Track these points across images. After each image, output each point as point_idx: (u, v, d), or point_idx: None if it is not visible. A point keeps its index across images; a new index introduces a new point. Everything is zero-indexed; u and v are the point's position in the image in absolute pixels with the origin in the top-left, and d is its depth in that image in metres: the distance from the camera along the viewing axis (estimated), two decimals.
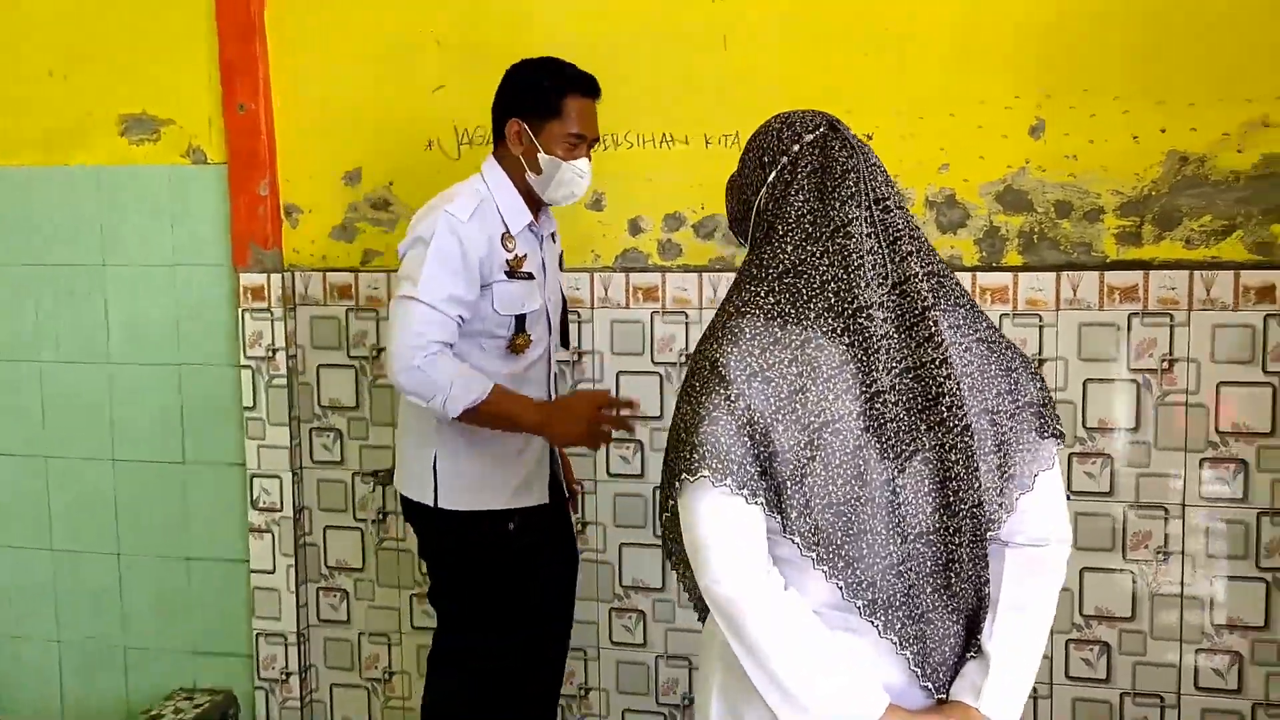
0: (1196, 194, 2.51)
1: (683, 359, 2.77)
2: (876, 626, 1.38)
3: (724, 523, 1.34)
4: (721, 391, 1.35)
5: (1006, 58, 2.55)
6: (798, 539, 1.34)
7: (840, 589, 1.37)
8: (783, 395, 1.35)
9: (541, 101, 2.29)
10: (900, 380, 1.38)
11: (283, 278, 2.95)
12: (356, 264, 2.96)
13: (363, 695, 3.07)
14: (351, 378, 2.97)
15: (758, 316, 1.40)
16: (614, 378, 2.80)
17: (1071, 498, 2.56)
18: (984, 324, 1.47)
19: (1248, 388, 2.49)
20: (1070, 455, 2.60)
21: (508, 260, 2.29)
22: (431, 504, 2.34)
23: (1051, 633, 1.71)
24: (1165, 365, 2.53)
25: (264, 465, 3.00)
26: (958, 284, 1.49)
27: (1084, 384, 2.57)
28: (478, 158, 2.81)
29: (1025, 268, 2.59)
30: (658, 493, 1.56)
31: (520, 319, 2.29)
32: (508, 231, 2.31)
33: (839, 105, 2.59)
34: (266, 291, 2.95)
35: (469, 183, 2.37)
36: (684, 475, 1.34)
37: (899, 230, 1.41)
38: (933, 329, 1.37)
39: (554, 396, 2.47)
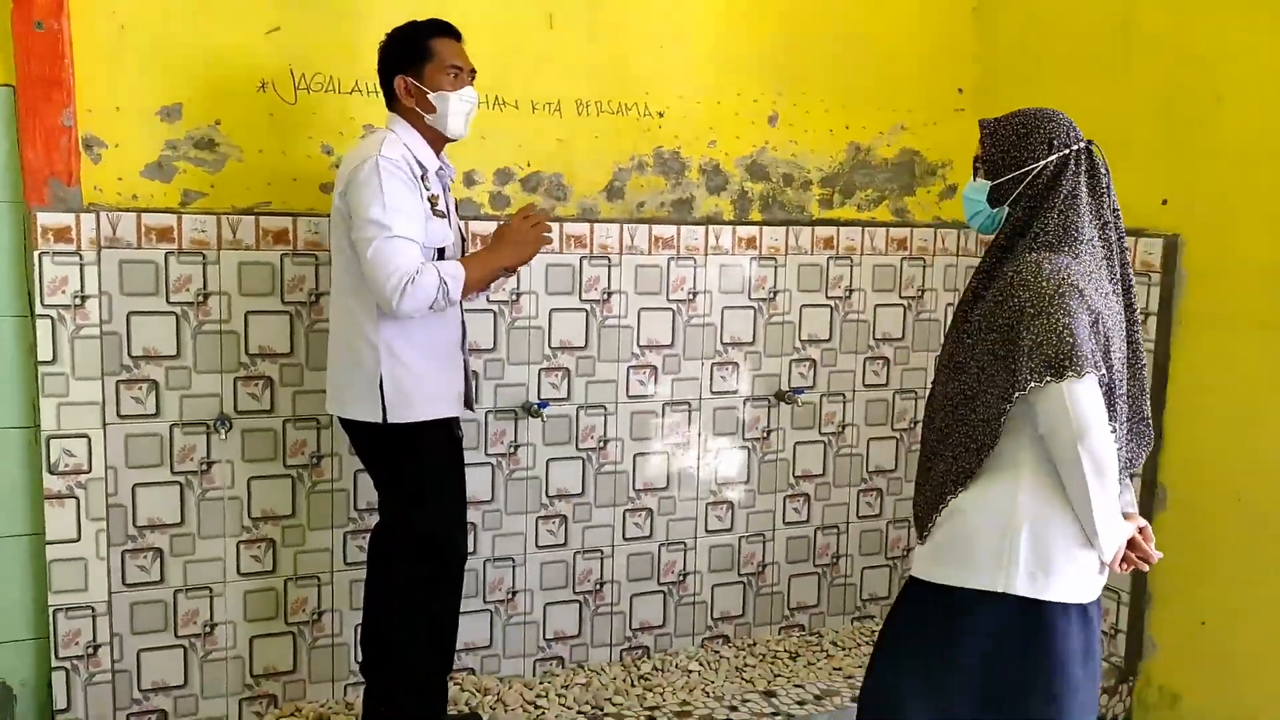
0: (864, 174, 3.58)
1: (514, 297, 3.15)
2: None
3: (1100, 404, 1.88)
4: (1086, 305, 1.87)
5: (755, 61, 3.36)
6: (1115, 426, 1.95)
7: None
8: (1097, 323, 1.91)
9: (414, 51, 2.59)
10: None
11: (96, 218, 2.69)
12: (175, 205, 2.81)
13: (178, 654, 2.95)
14: (171, 324, 2.82)
15: (1075, 269, 1.92)
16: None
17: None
18: None
19: (892, 309, 3.65)
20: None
21: (429, 199, 2.57)
22: (380, 420, 2.54)
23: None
24: (846, 294, 3.58)
25: (65, 425, 2.72)
26: None
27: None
28: (316, 105, 2.92)
29: (765, 223, 3.45)
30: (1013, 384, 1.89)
31: (440, 252, 2.59)
32: (425, 173, 2.58)
33: (639, 86, 3.27)
34: (75, 233, 2.66)
35: (380, 134, 2.57)
36: (1071, 373, 1.81)
37: (1123, 240, 2.05)
38: (1135, 314, 2.05)
39: (464, 322, 2.78)
